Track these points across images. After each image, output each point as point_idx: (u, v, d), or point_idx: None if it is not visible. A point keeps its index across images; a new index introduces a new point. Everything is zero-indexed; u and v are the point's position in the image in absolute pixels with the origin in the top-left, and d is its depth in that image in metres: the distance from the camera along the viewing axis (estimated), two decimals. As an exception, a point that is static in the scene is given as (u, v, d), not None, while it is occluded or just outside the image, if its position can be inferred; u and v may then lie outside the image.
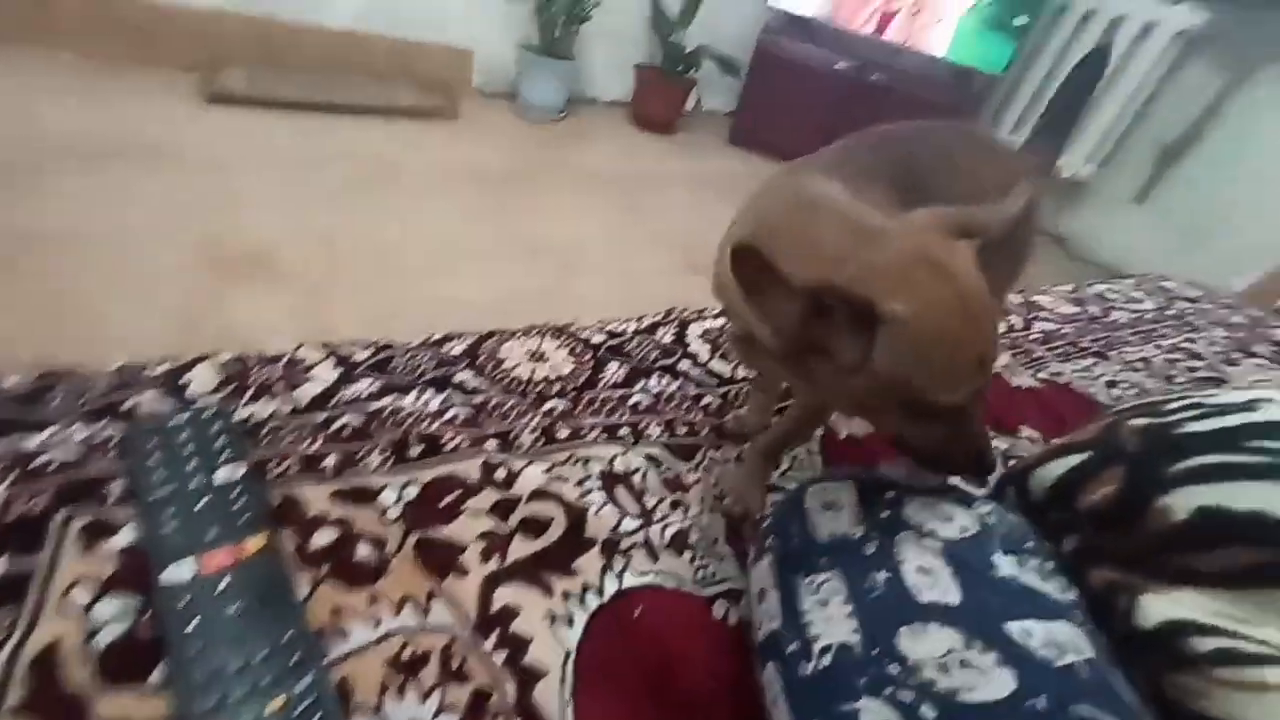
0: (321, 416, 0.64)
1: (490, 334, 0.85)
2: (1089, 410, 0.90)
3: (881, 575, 0.44)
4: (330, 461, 0.60)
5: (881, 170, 0.57)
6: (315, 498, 0.55)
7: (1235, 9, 2.16)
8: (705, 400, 0.85)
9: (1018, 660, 0.40)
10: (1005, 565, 0.45)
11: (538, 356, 0.83)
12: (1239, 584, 0.40)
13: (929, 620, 0.42)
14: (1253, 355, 1.02)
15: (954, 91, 2.54)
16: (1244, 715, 0.35)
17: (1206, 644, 0.38)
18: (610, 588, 0.58)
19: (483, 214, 1.76)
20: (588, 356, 0.86)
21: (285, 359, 0.70)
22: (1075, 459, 0.52)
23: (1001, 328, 1.03)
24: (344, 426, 0.64)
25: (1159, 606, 0.42)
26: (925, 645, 0.41)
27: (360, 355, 0.74)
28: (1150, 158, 2.43)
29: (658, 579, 0.60)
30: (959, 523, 0.48)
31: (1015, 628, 0.42)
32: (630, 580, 0.59)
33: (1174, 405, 0.49)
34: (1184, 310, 1.14)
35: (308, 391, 0.66)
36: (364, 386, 0.70)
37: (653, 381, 0.85)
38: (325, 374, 0.70)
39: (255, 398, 0.63)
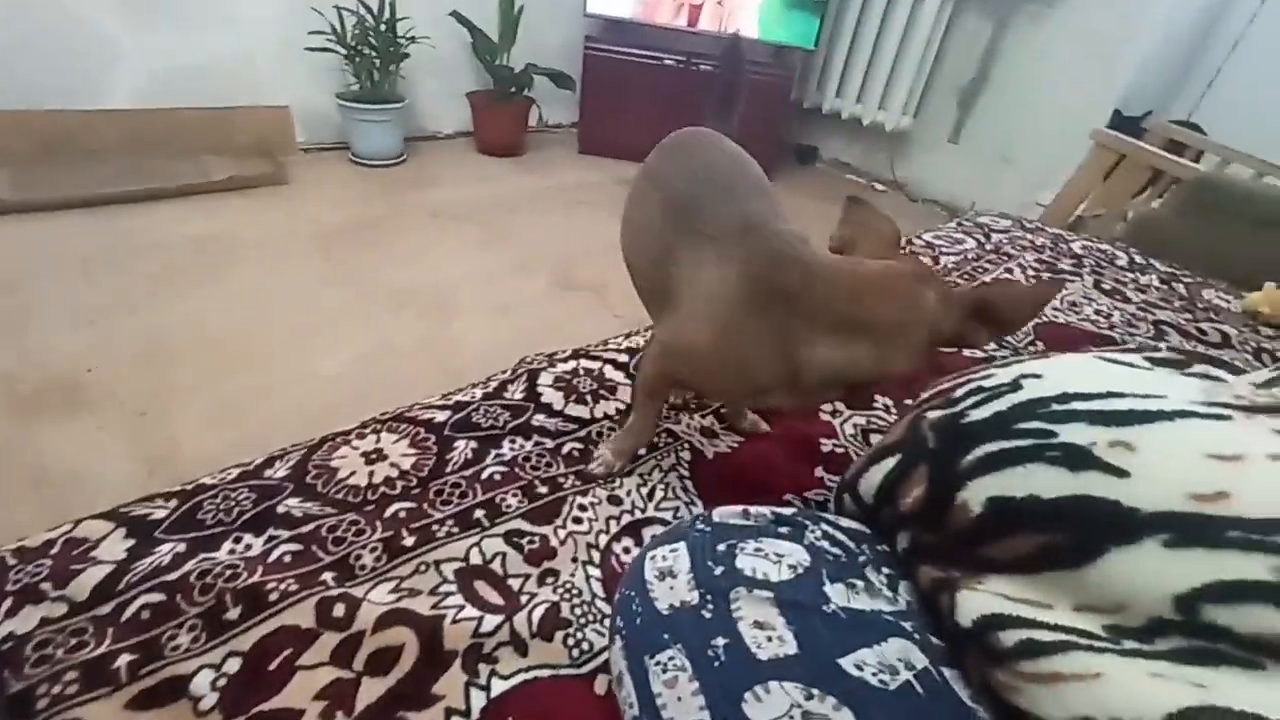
0: (108, 607, 0.55)
1: (320, 443, 0.77)
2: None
3: (721, 641, 0.43)
4: (123, 661, 0.52)
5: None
6: (103, 716, 0.47)
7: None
8: (567, 448, 0.83)
9: (854, 698, 0.40)
10: (836, 595, 0.46)
11: (375, 457, 0.76)
12: (1029, 569, 0.42)
13: (770, 679, 0.41)
14: (1060, 272, 1.12)
15: (775, 69, 2.66)
16: (1044, 709, 0.37)
17: (1011, 638, 0.40)
18: (478, 704, 0.53)
19: (334, 277, 1.63)
20: (431, 441, 0.79)
21: (58, 543, 0.60)
22: (890, 462, 0.53)
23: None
24: (140, 610, 0.55)
25: (974, 602, 0.43)
26: (769, 709, 0.40)
27: (159, 513, 0.65)
28: (954, 102, 2.65)
29: (529, 674, 0.57)
30: (790, 560, 0.48)
31: (849, 662, 0.42)
32: (500, 686, 0.55)
33: (961, 392, 0.52)
34: (1000, 242, 1.23)
35: (89, 580, 0.57)
36: (165, 552, 0.61)
37: (505, 448, 0.81)
38: (113, 550, 0.61)
39: (14, 609, 0.54)
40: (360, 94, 2.24)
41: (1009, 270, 1.12)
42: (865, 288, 0.55)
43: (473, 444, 0.79)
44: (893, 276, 0.56)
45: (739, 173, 0.72)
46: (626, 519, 0.72)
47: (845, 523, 0.54)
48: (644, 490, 0.76)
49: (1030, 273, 1.12)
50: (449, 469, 0.76)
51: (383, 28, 2.15)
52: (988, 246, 1.20)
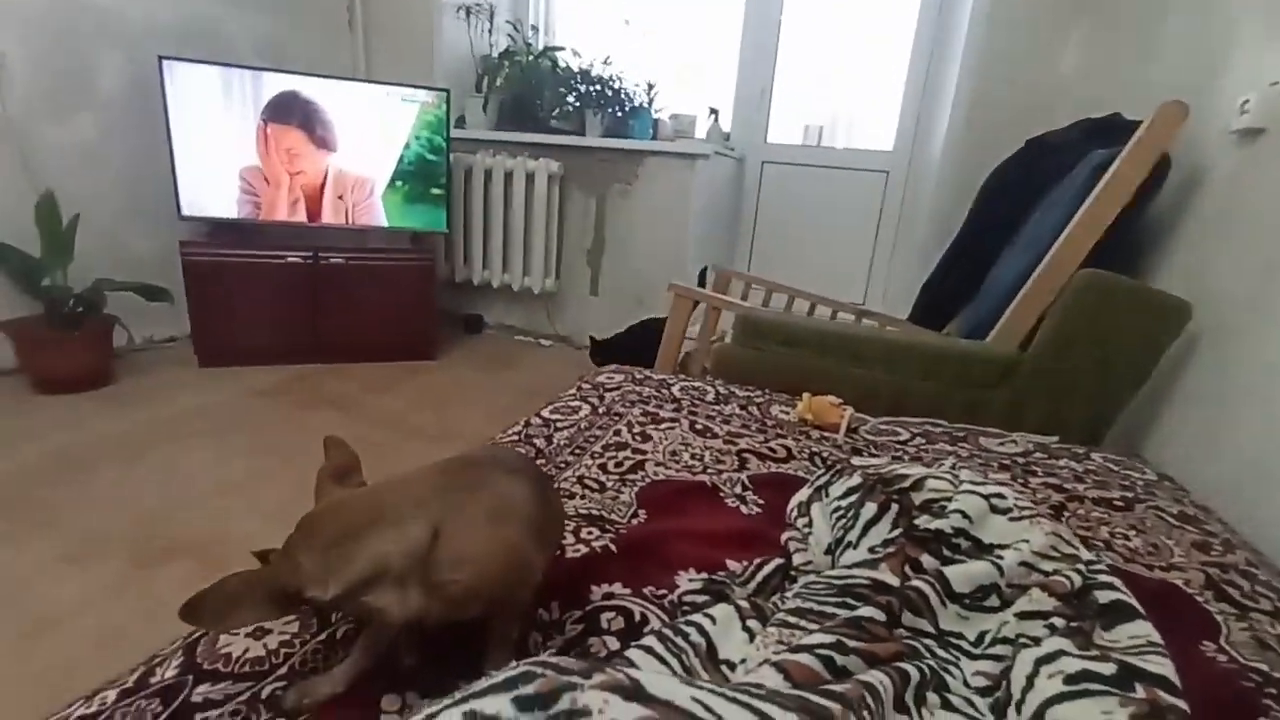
0: None
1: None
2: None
3: None
4: None
5: None
6: None
7: (573, 159, 2.89)
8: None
9: None
10: None
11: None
12: None
13: None
14: (662, 420, 1.20)
15: (416, 252, 2.70)
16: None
17: None
18: None
19: None
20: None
21: None
22: None
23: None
24: None
25: None
26: None
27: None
28: (584, 261, 3.03)
29: None
30: None
31: None
32: None
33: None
34: (612, 401, 1.31)
35: None
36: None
37: None
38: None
39: None
40: None
41: (618, 431, 1.20)
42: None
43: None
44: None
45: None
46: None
47: None
48: None
49: (635, 429, 1.20)
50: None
51: None
52: (600, 409, 1.28)
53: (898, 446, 1.25)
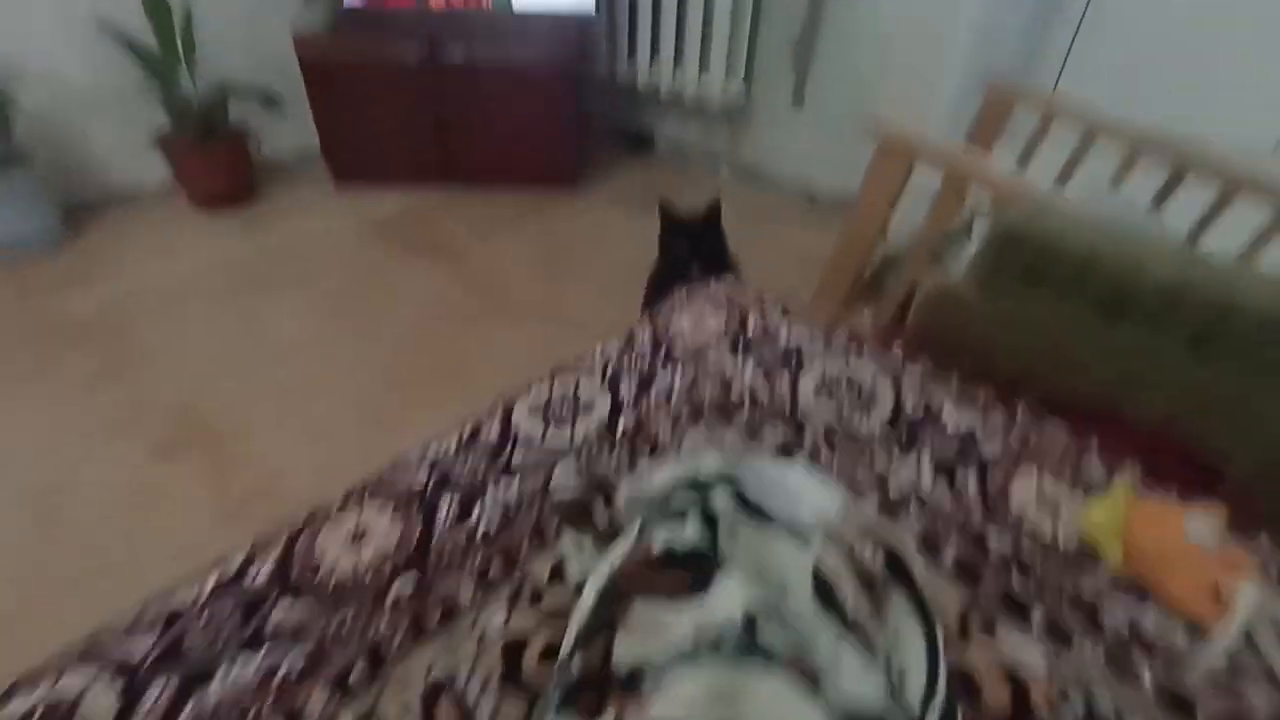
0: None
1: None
2: None
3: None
4: None
5: None
6: None
7: None
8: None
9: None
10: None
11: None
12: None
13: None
14: None
15: (564, 44, 2.04)
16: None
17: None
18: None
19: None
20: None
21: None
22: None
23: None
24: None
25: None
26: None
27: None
28: (788, 60, 2.06)
29: None
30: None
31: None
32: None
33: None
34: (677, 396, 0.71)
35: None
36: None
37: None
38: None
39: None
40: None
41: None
42: None
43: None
44: None
45: None
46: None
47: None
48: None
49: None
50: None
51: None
52: (636, 405, 0.68)
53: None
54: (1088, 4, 1.80)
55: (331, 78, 2.00)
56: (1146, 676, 0.48)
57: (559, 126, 2.12)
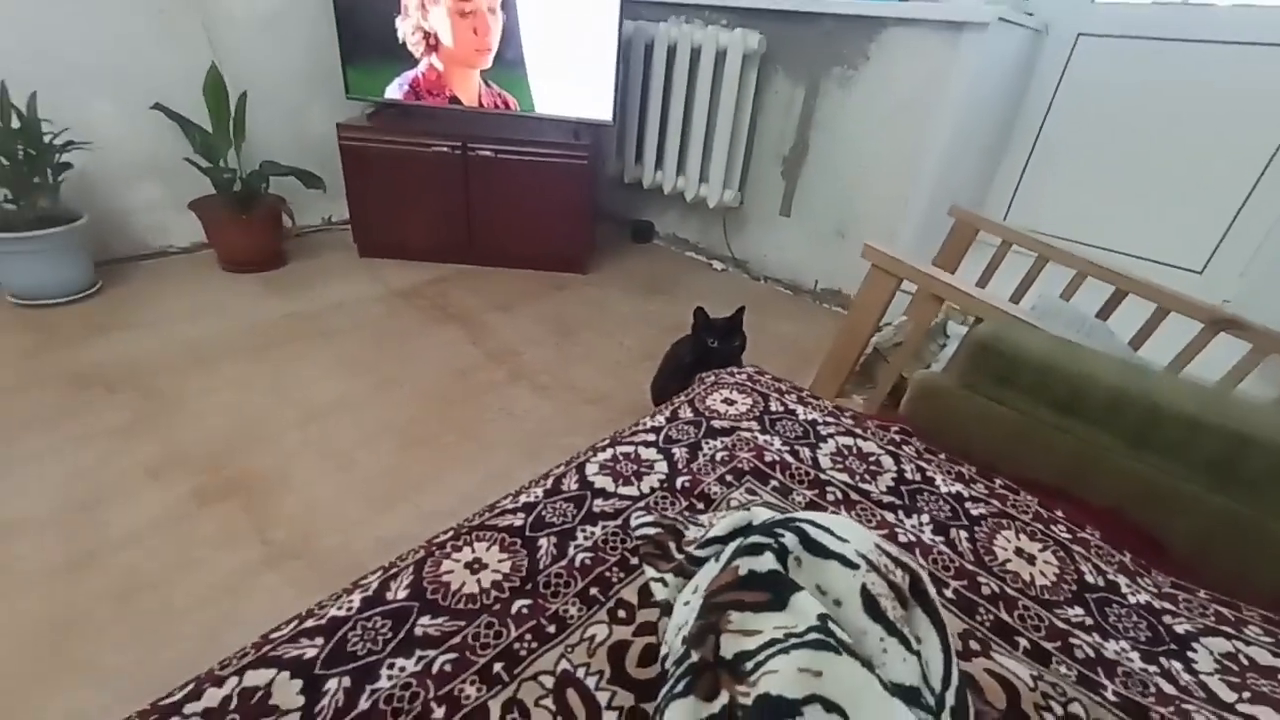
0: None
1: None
2: None
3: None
4: None
5: None
6: None
7: (782, 28, 2.14)
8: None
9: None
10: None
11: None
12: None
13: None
14: None
15: (567, 146, 2.29)
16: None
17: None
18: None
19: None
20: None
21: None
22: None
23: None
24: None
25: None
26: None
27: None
28: (778, 172, 2.36)
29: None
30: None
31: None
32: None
33: None
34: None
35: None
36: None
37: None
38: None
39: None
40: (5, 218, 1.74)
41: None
42: None
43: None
44: None
45: None
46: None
47: None
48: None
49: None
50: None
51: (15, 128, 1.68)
52: (690, 465, 0.82)
53: None
54: (1035, 142, 2.16)
55: (368, 162, 2.20)
56: (1110, 689, 0.61)
57: (574, 216, 2.34)
